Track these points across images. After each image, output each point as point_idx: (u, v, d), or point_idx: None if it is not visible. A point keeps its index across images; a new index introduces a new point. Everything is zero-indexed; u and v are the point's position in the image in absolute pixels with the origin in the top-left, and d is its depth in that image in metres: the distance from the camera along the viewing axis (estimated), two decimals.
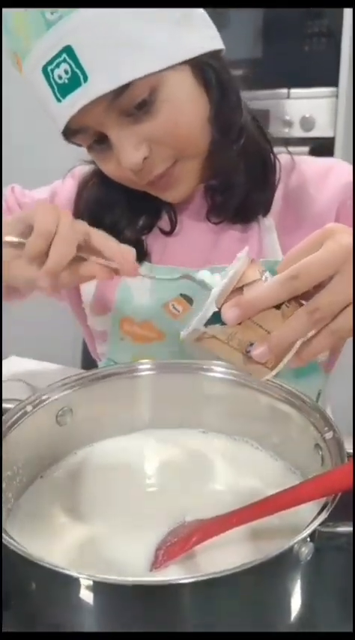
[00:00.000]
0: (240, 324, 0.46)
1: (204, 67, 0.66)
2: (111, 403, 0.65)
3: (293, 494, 0.49)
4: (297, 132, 1.58)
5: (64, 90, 0.63)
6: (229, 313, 0.46)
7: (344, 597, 0.52)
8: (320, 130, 1.55)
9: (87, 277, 0.56)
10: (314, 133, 1.56)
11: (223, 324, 0.46)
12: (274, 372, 0.48)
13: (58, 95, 0.63)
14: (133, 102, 0.63)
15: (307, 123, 1.56)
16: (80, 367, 1.08)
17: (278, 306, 0.46)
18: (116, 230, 0.74)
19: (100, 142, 0.67)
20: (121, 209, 0.75)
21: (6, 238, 0.56)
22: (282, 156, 0.78)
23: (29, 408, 0.59)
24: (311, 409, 0.56)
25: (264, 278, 0.48)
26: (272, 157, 0.75)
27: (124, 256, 0.56)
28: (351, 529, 0.45)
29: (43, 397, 0.61)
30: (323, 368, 0.81)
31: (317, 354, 0.46)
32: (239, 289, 0.47)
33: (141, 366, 0.65)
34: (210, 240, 0.76)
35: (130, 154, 0.65)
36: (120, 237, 0.74)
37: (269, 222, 0.76)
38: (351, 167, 0.78)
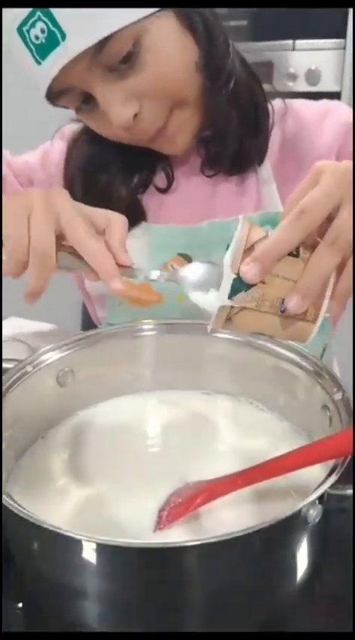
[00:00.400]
0: (264, 283, 0.44)
1: (189, 12, 0.63)
2: (112, 364, 0.63)
3: (301, 456, 0.48)
4: (302, 86, 1.52)
5: (42, 51, 0.60)
6: (250, 271, 0.44)
7: (348, 559, 0.52)
8: (326, 84, 1.50)
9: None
10: (319, 87, 1.50)
11: (247, 288, 0.44)
12: (318, 324, 0.45)
13: (37, 57, 0.60)
14: (117, 56, 0.60)
15: (312, 76, 1.50)
16: (80, 329, 1.07)
17: (296, 255, 0.44)
18: (110, 189, 0.72)
19: (87, 102, 0.64)
20: (115, 167, 0.73)
21: None
22: (277, 102, 0.75)
23: (29, 368, 0.58)
24: (319, 370, 0.55)
25: (269, 234, 0.45)
26: (264, 102, 0.72)
27: (101, 261, 0.50)
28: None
29: (44, 357, 0.60)
30: (331, 322, 0.80)
31: (351, 290, 0.44)
32: (250, 249, 0.45)
33: (143, 327, 0.63)
34: (207, 195, 0.74)
35: (119, 111, 0.62)
36: (115, 197, 0.72)
37: (266, 171, 0.73)
38: (349, 108, 0.75)
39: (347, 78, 1.47)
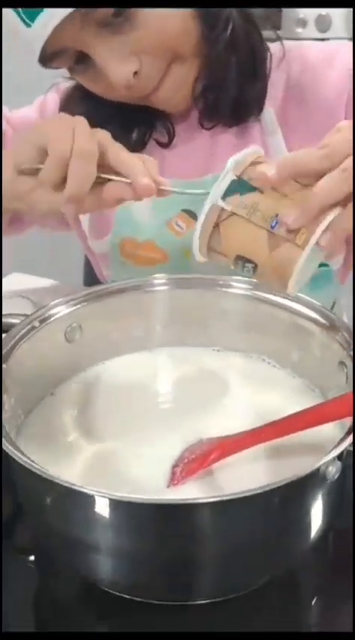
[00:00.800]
0: (262, 192, 0.42)
1: None
2: (122, 320, 0.62)
3: (318, 413, 0.47)
4: (311, 32, 1.46)
5: (30, 12, 0.57)
6: (292, 216, 0.42)
7: None
8: (337, 31, 1.44)
9: (113, 200, 0.50)
10: (329, 34, 1.44)
11: (242, 193, 0.42)
12: (306, 252, 0.42)
13: (26, 19, 0.57)
14: (108, 9, 0.57)
15: (323, 22, 1.44)
16: (83, 286, 1.05)
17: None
18: None
19: (81, 61, 0.62)
20: (111, 125, 0.70)
21: (21, 166, 0.51)
22: (275, 45, 0.71)
23: (36, 323, 0.57)
24: (337, 325, 0.53)
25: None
26: (262, 47, 0.69)
27: (138, 173, 0.49)
28: None
29: (51, 312, 0.58)
30: (338, 277, 0.78)
31: (349, 229, 0.42)
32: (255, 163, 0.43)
33: (154, 281, 0.62)
34: (209, 149, 0.72)
35: (118, 69, 0.60)
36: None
37: (271, 118, 0.70)
38: None
39: None
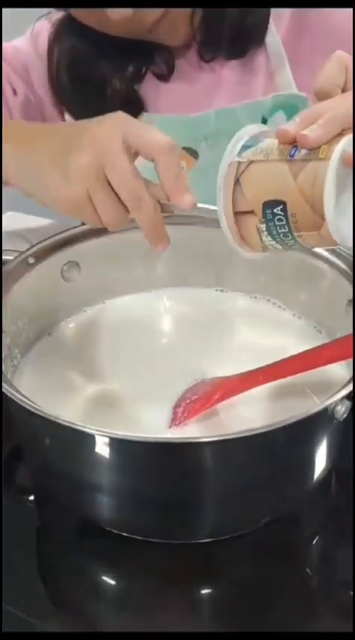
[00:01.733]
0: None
1: None
2: (122, 258, 0.59)
3: (324, 353, 0.46)
4: None
5: None
6: (312, 133, 0.38)
7: None
8: None
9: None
10: None
11: (256, 145, 0.40)
12: (334, 161, 0.38)
13: None
14: None
15: None
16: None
17: None
18: (102, 83, 0.66)
19: None
20: (106, 59, 0.66)
21: None
22: None
23: (31, 260, 0.55)
24: (347, 262, 0.51)
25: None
26: None
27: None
28: None
29: (47, 249, 0.56)
30: None
31: None
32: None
33: None
34: (211, 82, 0.68)
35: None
36: (109, 90, 0.66)
37: (278, 51, 0.66)
38: None
39: None
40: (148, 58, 0.68)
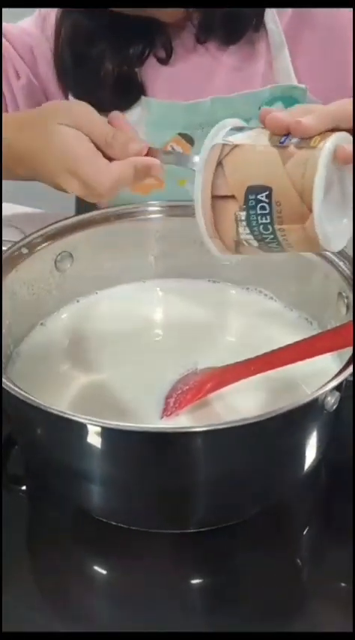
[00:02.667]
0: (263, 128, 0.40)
1: None
2: (115, 249, 0.60)
3: (314, 345, 0.47)
4: None
5: None
6: (306, 122, 0.38)
7: None
8: None
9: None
10: None
11: (244, 131, 0.40)
12: (325, 153, 0.37)
13: None
14: None
15: None
16: None
17: None
18: (103, 63, 0.66)
19: None
20: (108, 39, 0.66)
21: None
22: None
23: (24, 250, 0.55)
24: (338, 255, 0.52)
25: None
26: None
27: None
28: None
29: (40, 240, 0.56)
30: None
31: None
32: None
33: (148, 208, 0.59)
34: (208, 68, 0.68)
35: None
36: (109, 70, 0.66)
37: (279, 36, 0.65)
38: None
39: None
40: (149, 39, 0.67)
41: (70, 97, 0.71)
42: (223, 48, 0.67)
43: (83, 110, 0.51)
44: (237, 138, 0.40)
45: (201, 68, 0.68)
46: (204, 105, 0.66)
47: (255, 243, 0.41)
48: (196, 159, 0.43)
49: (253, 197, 0.39)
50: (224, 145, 0.40)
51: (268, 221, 0.39)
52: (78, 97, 0.69)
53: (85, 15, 0.65)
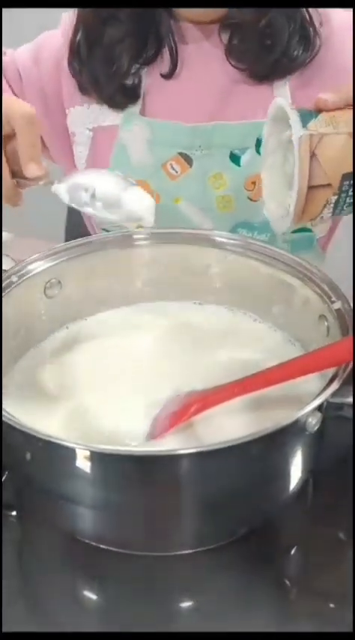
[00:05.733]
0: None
1: None
2: (102, 275, 0.61)
3: (300, 364, 0.47)
4: None
5: None
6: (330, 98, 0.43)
7: (344, 467, 0.52)
8: None
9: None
10: None
11: (314, 116, 0.44)
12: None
13: None
14: None
15: None
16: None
17: None
18: (119, 56, 0.68)
19: None
20: (120, 32, 0.67)
21: None
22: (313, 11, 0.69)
23: (14, 278, 0.56)
24: (318, 279, 0.53)
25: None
26: (311, 28, 0.67)
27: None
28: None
29: (29, 268, 0.57)
30: (320, 246, 0.78)
31: None
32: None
33: (135, 236, 0.61)
34: (219, 91, 0.70)
35: None
36: (124, 66, 0.67)
37: (283, 82, 0.69)
38: None
39: None
40: (157, 49, 0.69)
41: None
42: (245, 76, 0.68)
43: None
44: (316, 124, 0.44)
45: (212, 88, 0.70)
46: (205, 129, 0.68)
47: (329, 216, 0.46)
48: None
49: (347, 182, 0.43)
50: (312, 135, 0.44)
51: (352, 200, 0.44)
52: (81, 86, 0.71)
53: (101, 20, 0.67)
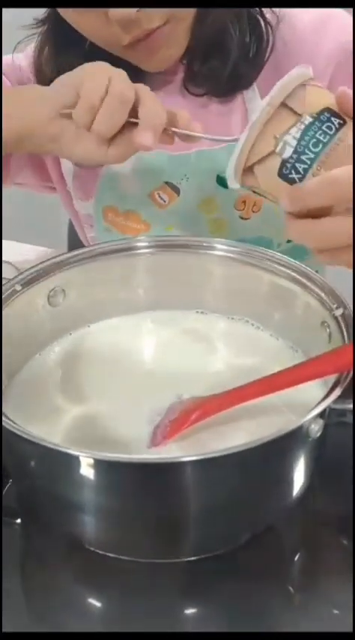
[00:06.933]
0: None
1: None
2: (105, 283, 0.61)
3: (302, 371, 0.48)
4: None
5: None
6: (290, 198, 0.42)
7: (346, 473, 0.52)
8: None
9: (142, 146, 0.52)
10: None
11: None
12: None
13: None
14: None
15: None
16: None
17: None
18: None
19: None
20: None
21: (61, 110, 0.53)
22: (266, 12, 0.67)
23: (18, 287, 0.56)
24: (319, 286, 0.54)
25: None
26: (260, 18, 0.66)
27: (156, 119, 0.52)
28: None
29: (33, 276, 0.57)
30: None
31: None
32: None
33: (137, 244, 0.61)
34: (194, 114, 0.69)
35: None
36: None
37: (252, 90, 0.67)
38: (350, 19, 0.68)
39: None
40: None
41: None
42: (208, 99, 0.68)
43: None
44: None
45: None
46: (188, 158, 0.68)
47: (288, 152, 0.42)
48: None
49: (328, 115, 0.42)
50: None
51: (324, 140, 0.41)
52: None
53: (64, 57, 0.66)
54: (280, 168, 0.43)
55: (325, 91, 0.44)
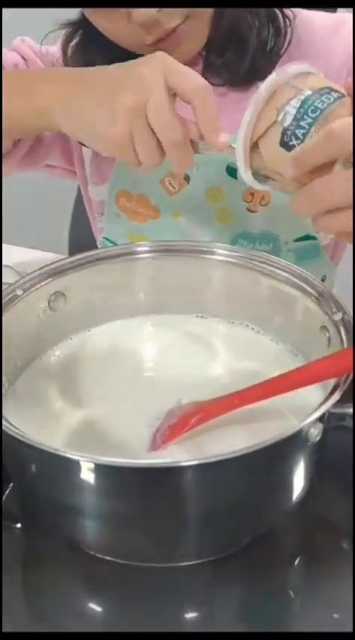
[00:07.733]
0: None
1: None
2: (106, 288, 0.62)
3: (301, 375, 0.48)
4: None
5: None
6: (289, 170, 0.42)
7: (345, 477, 0.52)
8: None
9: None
10: None
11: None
12: None
13: None
14: None
15: None
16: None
17: None
18: None
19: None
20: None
21: None
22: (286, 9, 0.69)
23: (19, 292, 0.56)
24: (318, 291, 0.54)
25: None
26: (278, 12, 0.67)
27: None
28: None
29: (34, 281, 0.58)
30: (329, 255, 0.78)
31: None
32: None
33: (138, 249, 0.61)
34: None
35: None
36: None
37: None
38: None
39: None
40: None
41: None
42: (225, 90, 0.69)
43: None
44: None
45: None
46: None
47: (289, 120, 0.44)
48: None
49: (328, 90, 0.44)
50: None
51: (322, 107, 0.43)
52: None
53: (90, 50, 0.67)
54: (281, 137, 0.44)
55: (329, 81, 0.45)
